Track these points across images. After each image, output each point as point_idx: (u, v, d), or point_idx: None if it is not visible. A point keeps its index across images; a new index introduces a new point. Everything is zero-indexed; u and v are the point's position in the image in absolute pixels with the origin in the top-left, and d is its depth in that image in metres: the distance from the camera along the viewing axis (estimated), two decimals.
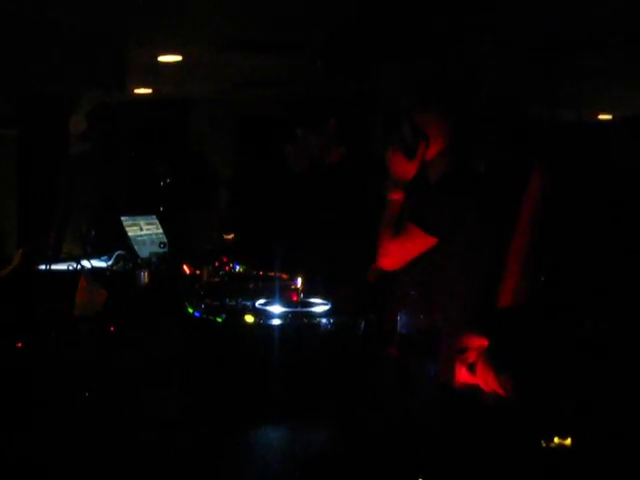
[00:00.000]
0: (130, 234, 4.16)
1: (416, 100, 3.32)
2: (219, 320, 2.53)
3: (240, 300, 2.68)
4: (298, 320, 2.53)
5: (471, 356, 3.49)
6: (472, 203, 3.13)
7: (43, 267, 3.48)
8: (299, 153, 4.82)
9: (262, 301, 2.65)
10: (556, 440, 1.80)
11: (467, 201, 3.12)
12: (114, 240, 4.18)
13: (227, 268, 3.36)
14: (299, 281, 2.84)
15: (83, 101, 6.51)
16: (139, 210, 4.50)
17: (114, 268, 3.67)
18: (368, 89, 7.46)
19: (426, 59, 6.50)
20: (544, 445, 1.81)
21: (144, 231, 4.25)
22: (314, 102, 4.24)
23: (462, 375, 2.65)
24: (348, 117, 4.70)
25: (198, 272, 3.42)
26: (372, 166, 4.37)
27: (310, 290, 2.83)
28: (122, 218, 4.22)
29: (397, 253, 3.08)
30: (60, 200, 5.66)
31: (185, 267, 3.50)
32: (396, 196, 3.18)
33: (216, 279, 3.26)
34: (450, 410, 2.30)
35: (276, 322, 2.49)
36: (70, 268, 3.34)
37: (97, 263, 3.75)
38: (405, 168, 3.21)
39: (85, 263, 3.45)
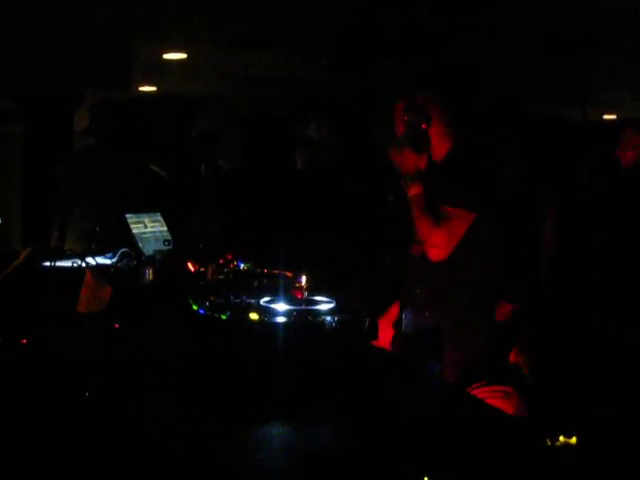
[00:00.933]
0: (134, 231, 4.16)
1: (412, 85, 3.32)
2: (224, 317, 2.53)
3: (245, 297, 2.68)
4: (302, 318, 2.53)
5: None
6: (492, 179, 3.13)
7: (48, 264, 3.48)
8: (300, 151, 4.82)
9: (267, 299, 2.66)
10: (561, 439, 1.80)
11: (488, 176, 3.13)
12: (118, 237, 4.19)
13: (232, 265, 3.36)
14: (304, 279, 2.84)
15: (88, 98, 6.51)
16: (143, 207, 4.50)
17: (118, 265, 3.67)
18: (371, 87, 7.46)
19: (427, 57, 6.51)
20: (549, 444, 1.81)
21: (148, 228, 4.25)
22: (311, 101, 4.24)
23: None
24: (347, 115, 4.70)
25: (203, 269, 3.42)
26: (372, 163, 4.37)
27: (315, 288, 2.83)
28: (127, 215, 4.22)
29: (444, 240, 3.06)
30: (62, 197, 5.66)
31: (190, 264, 3.50)
32: (415, 190, 3.16)
33: (221, 276, 3.26)
34: (454, 409, 2.30)
35: (280, 320, 2.49)
36: (75, 265, 3.34)
37: (101, 260, 3.75)
38: (416, 161, 3.21)
39: (90, 260, 3.46)
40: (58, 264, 3.44)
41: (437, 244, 3.07)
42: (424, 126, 3.18)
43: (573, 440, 1.80)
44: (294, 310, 2.55)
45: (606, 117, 10.48)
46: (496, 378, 2.86)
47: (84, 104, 6.66)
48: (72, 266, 3.36)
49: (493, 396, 2.55)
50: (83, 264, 3.34)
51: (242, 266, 3.39)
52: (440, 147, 3.22)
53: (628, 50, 6.70)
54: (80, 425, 2.13)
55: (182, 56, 7.14)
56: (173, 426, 2.13)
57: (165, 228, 4.36)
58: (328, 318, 2.50)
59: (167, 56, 7.12)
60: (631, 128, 4.15)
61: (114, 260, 3.76)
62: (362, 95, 7.56)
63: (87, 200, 5.48)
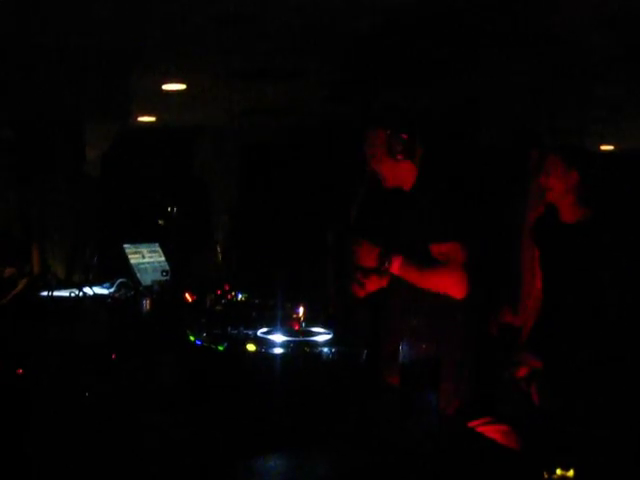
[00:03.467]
0: (132, 262, 4.16)
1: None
2: (221, 348, 2.52)
3: (242, 329, 2.68)
4: (299, 349, 2.52)
5: (522, 371, 3.60)
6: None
7: (45, 293, 3.49)
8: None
9: (264, 330, 2.65)
10: (559, 472, 1.79)
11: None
12: (116, 267, 4.19)
13: (229, 296, 3.36)
14: (301, 310, 2.84)
15: (87, 128, 6.54)
16: (142, 238, 4.50)
17: (116, 295, 3.67)
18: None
19: (428, 87, 6.55)
20: (546, 476, 1.80)
21: (146, 259, 4.25)
22: None
23: None
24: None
25: (200, 300, 3.41)
26: None
27: (313, 319, 2.82)
28: (125, 246, 4.22)
29: (456, 279, 3.08)
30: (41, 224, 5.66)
31: (187, 295, 3.49)
32: (397, 263, 3.19)
33: (218, 307, 3.25)
34: (452, 441, 2.29)
35: (278, 351, 2.49)
36: (72, 295, 3.34)
37: (99, 290, 3.75)
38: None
39: (87, 290, 3.46)
40: (56, 294, 3.45)
41: (452, 285, 3.09)
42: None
43: (570, 473, 1.79)
44: (291, 341, 2.55)
45: (603, 148, 10.53)
46: (493, 414, 2.86)
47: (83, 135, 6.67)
48: (70, 296, 3.36)
49: (490, 433, 2.54)
50: (81, 294, 3.34)
51: (240, 297, 3.39)
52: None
53: (626, 81, 6.74)
54: (74, 456, 2.11)
55: (182, 87, 7.18)
56: (170, 457, 2.12)
57: (163, 258, 4.36)
58: (325, 349, 2.50)
59: (167, 87, 7.16)
60: (557, 155, 4.02)
61: (112, 290, 3.76)
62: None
63: (86, 230, 5.49)
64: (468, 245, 3.09)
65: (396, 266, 3.15)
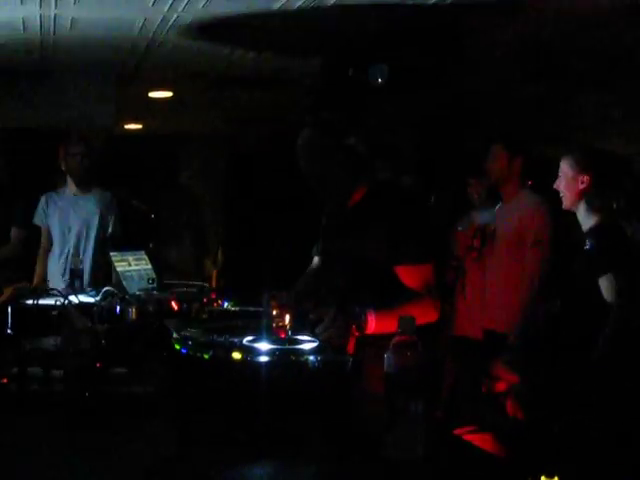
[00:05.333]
0: (119, 269, 4.14)
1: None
2: (206, 357, 2.52)
3: (227, 337, 2.67)
4: (285, 357, 2.52)
5: (499, 386, 3.57)
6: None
7: (30, 302, 3.47)
8: None
9: (250, 338, 2.65)
10: (543, 479, 1.80)
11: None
12: (102, 275, 4.18)
13: (215, 304, 3.35)
14: (287, 318, 2.83)
15: (73, 136, 6.51)
16: (128, 245, 4.49)
17: (102, 304, 3.65)
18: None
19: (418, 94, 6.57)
20: None
21: (133, 266, 4.24)
22: None
23: None
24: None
25: (186, 308, 3.41)
26: None
27: (299, 327, 2.82)
28: (111, 253, 4.21)
29: (429, 305, 2.99)
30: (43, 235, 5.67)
31: (173, 303, 3.49)
32: (371, 322, 2.96)
33: (204, 315, 3.25)
34: (438, 449, 2.29)
35: (263, 359, 2.48)
36: (58, 303, 3.32)
37: (85, 298, 3.74)
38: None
39: (73, 298, 3.44)
40: (41, 302, 3.43)
41: (427, 315, 2.97)
42: None
43: None
44: (277, 349, 2.54)
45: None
46: (476, 423, 2.86)
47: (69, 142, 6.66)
48: (55, 304, 3.34)
49: (473, 442, 2.55)
50: (66, 302, 3.33)
51: (226, 305, 3.39)
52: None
53: (613, 88, 6.78)
54: (56, 465, 2.11)
55: (168, 94, 7.19)
56: (155, 466, 2.11)
57: (149, 266, 4.34)
58: (311, 358, 2.50)
59: (153, 94, 7.17)
60: (567, 158, 3.81)
61: (97, 298, 3.74)
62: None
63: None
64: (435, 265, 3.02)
65: (372, 327, 2.93)
